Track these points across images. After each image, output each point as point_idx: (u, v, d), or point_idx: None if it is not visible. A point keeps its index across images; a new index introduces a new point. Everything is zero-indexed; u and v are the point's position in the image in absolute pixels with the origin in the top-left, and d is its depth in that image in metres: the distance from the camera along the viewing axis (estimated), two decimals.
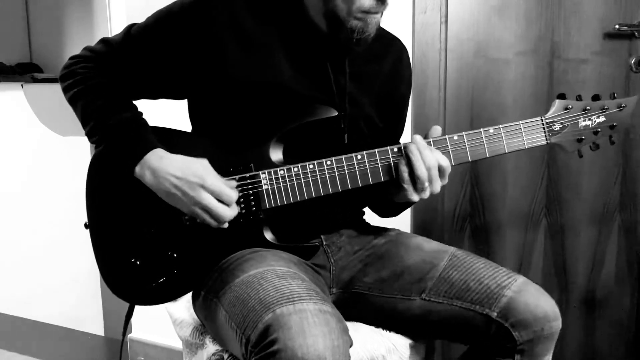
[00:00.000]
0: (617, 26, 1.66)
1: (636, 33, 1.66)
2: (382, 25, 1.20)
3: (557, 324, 1.12)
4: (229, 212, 1.08)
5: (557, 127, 1.15)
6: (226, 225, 1.10)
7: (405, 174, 1.10)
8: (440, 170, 1.10)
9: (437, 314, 1.16)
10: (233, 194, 1.08)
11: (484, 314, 1.12)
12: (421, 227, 1.82)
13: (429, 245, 1.26)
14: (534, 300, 1.11)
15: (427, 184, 1.10)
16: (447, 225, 1.85)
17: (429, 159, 1.09)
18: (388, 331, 1.22)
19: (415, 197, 1.12)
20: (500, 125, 1.13)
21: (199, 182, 1.05)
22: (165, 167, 1.07)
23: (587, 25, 1.69)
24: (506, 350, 1.12)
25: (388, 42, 1.30)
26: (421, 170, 1.09)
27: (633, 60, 1.68)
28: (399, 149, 1.11)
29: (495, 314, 1.11)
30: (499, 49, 1.74)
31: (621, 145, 1.75)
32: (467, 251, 1.25)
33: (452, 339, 1.22)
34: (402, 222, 1.67)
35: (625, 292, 1.83)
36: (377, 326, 1.24)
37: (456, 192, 1.83)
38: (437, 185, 1.11)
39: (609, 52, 1.69)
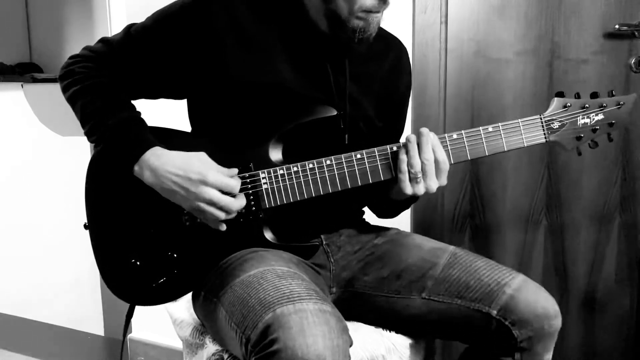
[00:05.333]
0: (617, 26, 1.66)
1: (636, 33, 1.66)
2: (382, 25, 1.20)
3: (557, 321, 1.12)
4: (236, 202, 1.07)
5: (556, 125, 1.15)
6: (224, 227, 1.10)
7: (403, 164, 1.09)
8: (437, 164, 1.10)
9: (437, 313, 1.16)
10: (235, 184, 1.07)
11: (484, 312, 1.12)
12: (421, 227, 1.82)
13: (429, 244, 1.26)
14: (534, 298, 1.11)
15: (420, 174, 1.09)
16: (447, 225, 1.85)
17: (426, 151, 1.09)
18: (388, 331, 1.22)
19: (408, 189, 1.10)
20: (499, 124, 1.13)
21: (200, 179, 1.05)
22: (164, 165, 1.07)
23: (587, 25, 1.69)
24: (506, 349, 1.12)
25: (387, 42, 1.30)
26: (415, 160, 1.08)
27: (633, 60, 1.68)
28: (399, 147, 1.11)
29: (495, 312, 1.11)
30: (499, 49, 1.74)
31: (621, 145, 1.75)
32: (467, 250, 1.25)
33: (452, 338, 1.22)
34: (402, 222, 1.67)
35: (625, 292, 1.83)
36: (377, 326, 1.24)
37: (456, 192, 1.83)
38: (433, 182, 1.10)
39: (609, 52, 1.69)
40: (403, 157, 1.10)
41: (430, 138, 1.10)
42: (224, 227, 1.10)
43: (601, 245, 1.81)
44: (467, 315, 1.13)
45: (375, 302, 1.22)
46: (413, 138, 1.09)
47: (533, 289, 1.13)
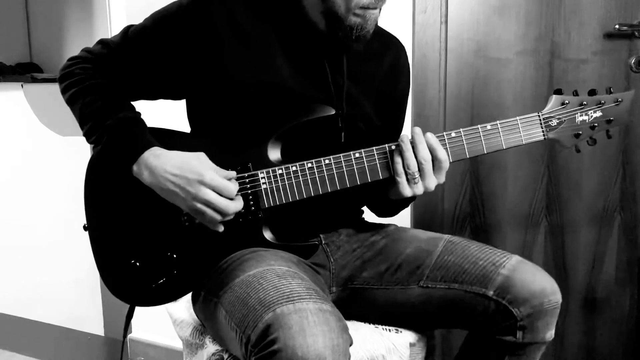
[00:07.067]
0: (617, 26, 1.66)
1: (636, 33, 1.66)
2: (382, 25, 1.20)
3: (557, 297, 1.12)
4: (233, 204, 1.07)
5: (554, 122, 1.15)
6: (222, 228, 1.10)
7: (399, 165, 1.10)
8: (438, 163, 1.10)
9: (436, 300, 1.17)
10: (233, 187, 1.07)
11: (481, 294, 1.12)
12: (421, 226, 1.82)
13: (425, 234, 1.27)
14: (530, 276, 1.12)
15: (417, 174, 1.09)
16: (447, 225, 1.85)
17: (422, 151, 1.09)
18: (389, 329, 1.22)
19: (407, 191, 1.11)
20: (498, 122, 1.13)
21: (197, 179, 1.05)
22: (163, 164, 1.07)
23: (587, 25, 1.69)
24: (507, 328, 1.12)
25: (386, 41, 1.31)
26: (411, 160, 1.09)
27: (633, 60, 1.68)
28: (397, 146, 1.11)
29: (492, 292, 1.11)
30: (499, 49, 1.74)
31: (621, 144, 1.75)
32: (462, 237, 1.25)
33: (454, 325, 1.22)
34: (402, 222, 1.67)
35: (625, 292, 1.83)
36: (378, 322, 1.25)
37: (456, 192, 1.83)
38: (431, 180, 1.11)
39: (609, 52, 1.69)
40: (398, 159, 1.10)
41: (428, 137, 1.10)
42: (221, 229, 1.09)
43: (601, 245, 1.81)
44: (466, 299, 1.14)
45: (375, 297, 1.22)
46: (406, 138, 1.10)
47: (529, 268, 1.13)
